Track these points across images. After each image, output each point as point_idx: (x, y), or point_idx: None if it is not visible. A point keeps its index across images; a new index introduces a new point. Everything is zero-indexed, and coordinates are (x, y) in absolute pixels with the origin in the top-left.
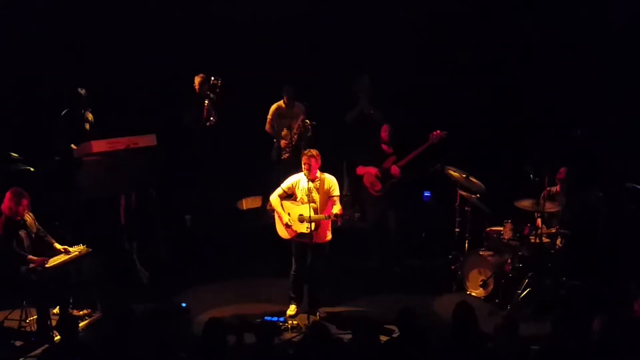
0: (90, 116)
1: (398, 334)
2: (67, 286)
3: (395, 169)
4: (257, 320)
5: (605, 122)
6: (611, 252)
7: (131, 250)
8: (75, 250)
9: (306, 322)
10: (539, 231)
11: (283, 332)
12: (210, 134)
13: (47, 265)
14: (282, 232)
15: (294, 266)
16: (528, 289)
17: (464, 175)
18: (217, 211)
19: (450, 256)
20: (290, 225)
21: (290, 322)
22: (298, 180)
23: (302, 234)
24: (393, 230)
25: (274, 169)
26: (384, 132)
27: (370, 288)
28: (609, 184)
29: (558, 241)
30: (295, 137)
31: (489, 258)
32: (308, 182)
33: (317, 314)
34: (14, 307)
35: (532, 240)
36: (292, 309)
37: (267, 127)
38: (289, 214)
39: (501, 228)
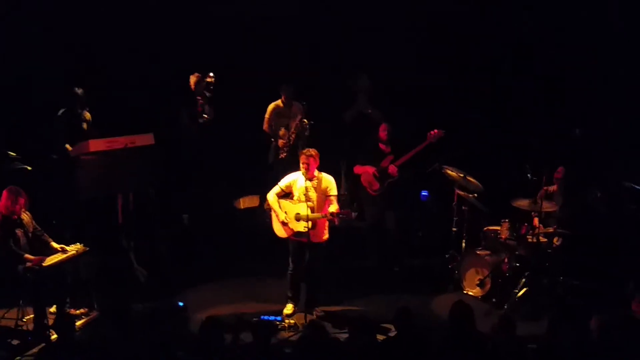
0: (88, 115)
1: (395, 333)
2: (64, 285)
3: (393, 169)
4: (254, 319)
5: (604, 122)
6: (609, 252)
7: (129, 249)
8: (73, 249)
9: (303, 321)
10: (536, 231)
11: (280, 331)
12: (207, 133)
13: (44, 264)
14: (279, 231)
15: (291, 265)
16: (525, 289)
17: (462, 175)
18: (215, 210)
19: (447, 255)
20: (287, 223)
21: (287, 321)
22: (296, 179)
23: (299, 232)
24: (391, 230)
25: (271, 169)
26: (382, 132)
27: (368, 287)
28: (608, 184)
29: (555, 241)
30: (293, 136)
31: (486, 257)
32: (305, 181)
33: (314, 313)
34: (10, 306)
35: (530, 240)
36: (289, 308)
37: (265, 126)
38: (285, 212)
39: (498, 227)
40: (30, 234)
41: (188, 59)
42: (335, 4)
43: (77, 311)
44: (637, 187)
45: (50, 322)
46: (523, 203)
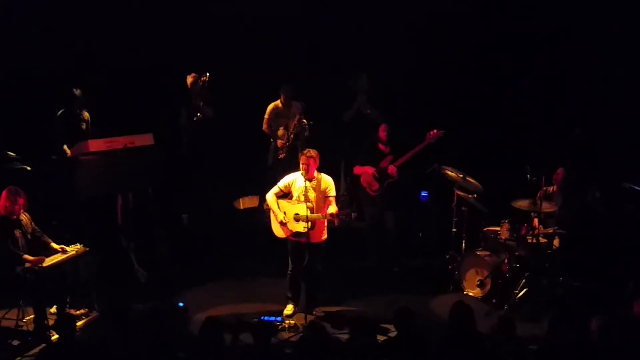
0: (86, 115)
1: (395, 333)
2: (64, 286)
3: (392, 169)
4: (254, 319)
5: (604, 122)
6: (609, 252)
7: (128, 250)
8: (72, 249)
9: (303, 321)
10: (536, 231)
11: (280, 331)
12: (206, 133)
13: (44, 265)
14: (278, 231)
15: (290, 266)
16: (525, 289)
17: (461, 175)
18: (214, 210)
19: (447, 256)
20: (285, 223)
21: (287, 321)
22: (294, 179)
23: (297, 233)
24: (391, 230)
25: (271, 169)
26: (382, 132)
27: (367, 287)
28: (607, 184)
29: (555, 241)
30: (292, 136)
31: (486, 258)
32: (305, 181)
33: (314, 313)
34: (10, 307)
35: (529, 240)
36: (289, 309)
37: (264, 126)
38: (284, 212)
39: (498, 228)
40: (29, 235)
41: (188, 59)
42: (335, 4)
43: (78, 312)
44: (636, 187)
45: (51, 322)
46: (523, 204)
